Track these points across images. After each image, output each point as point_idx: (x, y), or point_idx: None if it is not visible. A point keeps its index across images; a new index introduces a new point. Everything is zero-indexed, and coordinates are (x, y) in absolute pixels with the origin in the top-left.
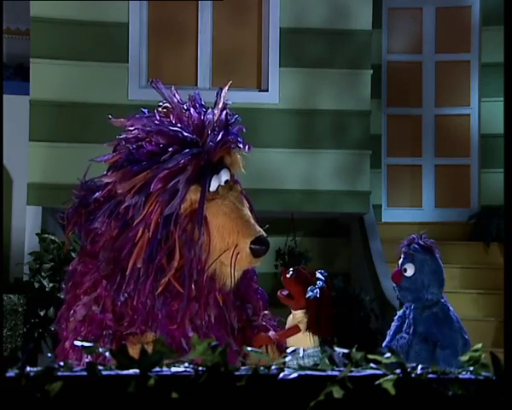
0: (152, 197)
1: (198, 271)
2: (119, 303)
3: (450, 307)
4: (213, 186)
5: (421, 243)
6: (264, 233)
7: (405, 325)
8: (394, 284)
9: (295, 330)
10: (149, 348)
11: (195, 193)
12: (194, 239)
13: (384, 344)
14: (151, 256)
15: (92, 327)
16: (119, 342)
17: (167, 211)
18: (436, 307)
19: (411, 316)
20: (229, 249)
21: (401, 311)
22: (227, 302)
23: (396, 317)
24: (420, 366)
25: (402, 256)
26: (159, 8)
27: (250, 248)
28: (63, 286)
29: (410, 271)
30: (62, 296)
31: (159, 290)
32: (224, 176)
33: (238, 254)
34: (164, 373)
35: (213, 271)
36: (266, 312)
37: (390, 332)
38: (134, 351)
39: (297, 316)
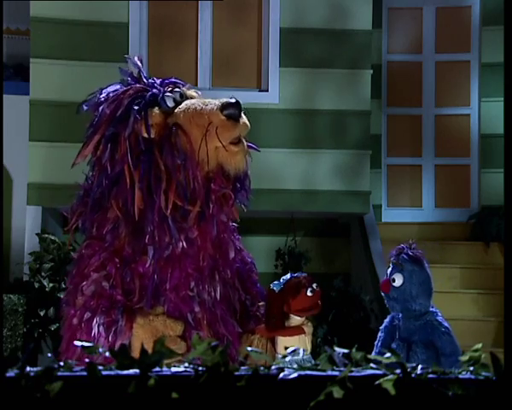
0: (119, 141)
1: (194, 170)
2: (128, 279)
3: (439, 313)
4: (170, 103)
5: (409, 253)
6: (231, 97)
7: (397, 335)
8: (383, 294)
9: (300, 331)
10: (159, 320)
11: (157, 116)
12: (174, 146)
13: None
14: (147, 188)
15: (102, 301)
16: (130, 315)
17: (128, 132)
18: (427, 315)
19: (404, 327)
20: (208, 130)
21: (387, 321)
22: (231, 283)
23: (382, 327)
24: (420, 366)
25: (391, 266)
26: (159, 8)
27: (223, 116)
28: (68, 276)
29: (398, 281)
30: (63, 295)
31: (169, 210)
32: (178, 94)
33: (216, 128)
34: (164, 373)
35: (212, 167)
36: (261, 304)
37: (378, 343)
38: (146, 322)
39: (295, 320)
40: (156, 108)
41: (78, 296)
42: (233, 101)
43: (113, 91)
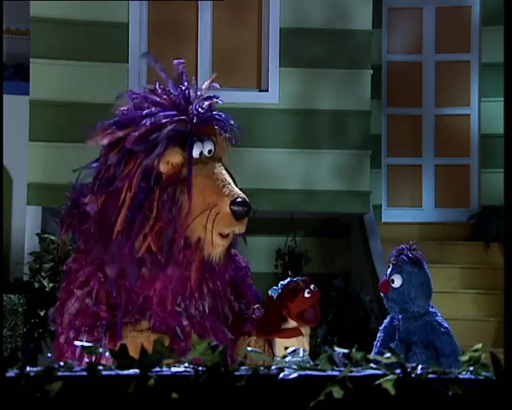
0: (133, 157)
1: (177, 231)
2: (114, 294)
3: (439, 314)
4: (196, 153)
5: (409, 254)
6: (245, 197)
7: (396, 336)
8: (382, 294)
9: (297, 332)
10: (143, 336)
11: (176, 157)
12: (175, 200)
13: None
14: (132, 218)
15: (86, 319)
16: (114, 332)
17: (145, 162)
18: (427, 316)
19: (403, 327)
20: (209, 210)
21: (386, 321)
22: (221, 293)
23: (381, 327)
24: (420, 366)
25: (390, 266)
26: (159, 8)
27: (230, 209)
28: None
29: (397, 282)
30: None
31: (140, 252)
32: (208, 146)
33: (218, 214)
34: (164, 373)
35: (197, 237)
36: (256, 306)
37: (377, 344)
38: (128, 340)
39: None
40: (178, 148)
41: (65, 314)
42: (245, 201)
43: (154, 102)
